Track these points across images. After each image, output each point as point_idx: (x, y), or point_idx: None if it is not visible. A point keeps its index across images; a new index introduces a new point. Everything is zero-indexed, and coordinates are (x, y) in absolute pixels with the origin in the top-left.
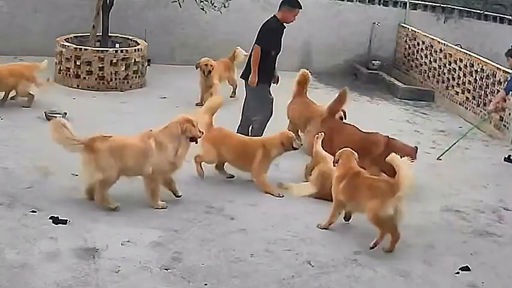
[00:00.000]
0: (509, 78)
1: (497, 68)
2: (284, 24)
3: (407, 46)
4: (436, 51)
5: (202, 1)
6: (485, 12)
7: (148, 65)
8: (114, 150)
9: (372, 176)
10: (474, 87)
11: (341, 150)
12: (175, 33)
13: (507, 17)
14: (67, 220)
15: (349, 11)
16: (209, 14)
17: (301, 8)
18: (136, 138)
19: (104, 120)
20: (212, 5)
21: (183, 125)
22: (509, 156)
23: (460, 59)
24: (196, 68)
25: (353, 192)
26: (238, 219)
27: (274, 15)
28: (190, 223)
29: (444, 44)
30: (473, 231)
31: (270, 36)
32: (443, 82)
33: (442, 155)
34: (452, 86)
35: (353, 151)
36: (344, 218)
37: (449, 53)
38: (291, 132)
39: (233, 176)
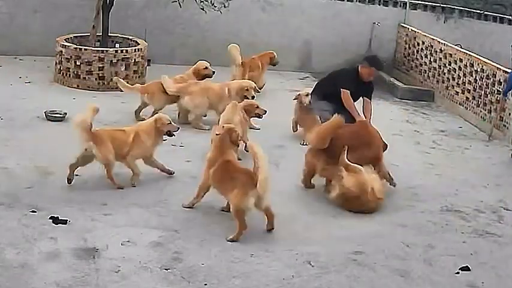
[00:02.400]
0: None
1: (497, 68)
2: (362, 80)
3: (407, 46)
4: (436, 51)
5: (202, 1)
6: (485, 12)
7: (148, 65)
8: None
9: (238, 166)
10: (474, 87)
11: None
12: (175, 33)
13: (507, 17)
14: (67, 220)
15: (349, 11)
16: (209, 14)
17: (379, 69)
18: None
19: (104, 120)
20: (212, 5)
21: None
22: None
23: (460, 59)
24: None
25: (221, 179)
26: None
27: (357, 67)
28: (190, 223)
29: (444, 44)
30: (473, 231)
31: (342, 80)
32: (443, 82)
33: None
34: (452, 86)
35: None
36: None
37: (449, 53)
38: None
39: None
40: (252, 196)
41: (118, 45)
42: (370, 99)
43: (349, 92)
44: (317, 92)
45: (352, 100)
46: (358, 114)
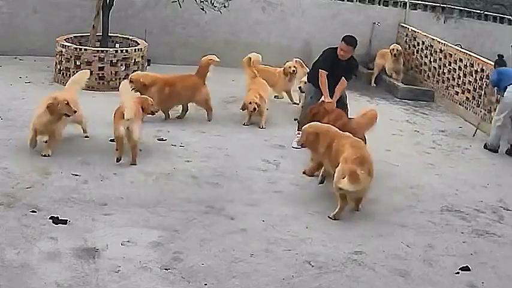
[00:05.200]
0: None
1: None
2: (342, 59)
3: (407, 46)
4: (436, 51)
5: (202, 1)
6: (485, 12)
7: (148, 65)
8: None
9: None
10: (474, 87)
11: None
12: (175, 33)
13: (507, 17)
14: (67, 220)
15: (349, 11)
16: (209, 14)
17: (347, 44)
18: None
19: (104, 120)
20: (212, 5)
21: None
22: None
23: (460, 59)
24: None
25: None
26: (238, 219)
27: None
28: (190, 223)
29: (444, 44)
30: (473, 231)
31: (320, 60)
32: (443, 82)
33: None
34: (452, 86)
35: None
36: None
37: (449, 53)
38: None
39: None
40: (122, 125)
41: (118, 45)
42: (348, 79)
43: (326, 73)
44: (307, 77)
45: (326, 80)
46: (327, 95)
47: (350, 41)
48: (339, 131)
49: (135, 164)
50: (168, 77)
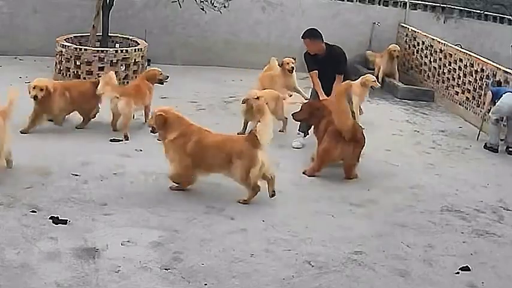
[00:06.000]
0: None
1: (497, 68)
2: (316, 54)
3: (407, 46)
4: (436, 51)
5: (202, 1)
6: (485, 12)
7: (148, 65)
8: None
9: None
10: (474, 87)
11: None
12: (175, 33)
13: (507, 17)
14: (67, 220)
15: (349, 11)
16: (209, 14)
17: (304, 38)
18: None
19: (104, 120)
20: (212, 5)
21: None
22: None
23: (460, 59)
24: None
25: None
26: (238, 219)
27: None
28: (190, 223)
29: (444, 44)
30: (473, 231)
31: (307, 65)
32: (443, 82)
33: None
34: (452, 86)
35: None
36: None
37: (449, 53)
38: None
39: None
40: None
41: (118, 45)
42: (339, 72)
43: (315, 72)
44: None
45: (317, 80)
46: (322, 93)
47: (304, 34)
48: (195, 124)
49: (127, 137)
50: (64, 82)
